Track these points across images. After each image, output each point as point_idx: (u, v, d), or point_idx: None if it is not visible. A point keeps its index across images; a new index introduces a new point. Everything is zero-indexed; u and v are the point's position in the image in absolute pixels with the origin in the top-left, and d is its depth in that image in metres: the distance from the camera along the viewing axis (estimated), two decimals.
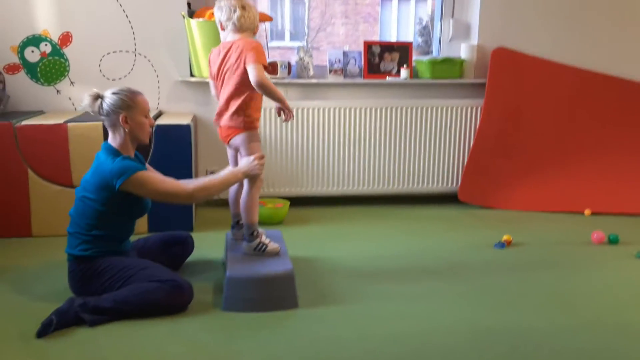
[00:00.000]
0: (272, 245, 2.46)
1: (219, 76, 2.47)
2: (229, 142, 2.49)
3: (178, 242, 2.65)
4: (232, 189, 2.63)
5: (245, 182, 2.47)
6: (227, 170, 2.45)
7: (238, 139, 2.45)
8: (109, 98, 2.25)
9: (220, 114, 2.48)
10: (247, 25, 2.43)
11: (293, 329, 2.11)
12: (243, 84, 2.38)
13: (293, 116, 2.49)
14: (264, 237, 2.49)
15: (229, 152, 2.61)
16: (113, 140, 2.29)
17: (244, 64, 2.34)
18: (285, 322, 2.17)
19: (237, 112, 2.41)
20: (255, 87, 2.34)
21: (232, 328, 2.11)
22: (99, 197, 2.22)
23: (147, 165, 2.49)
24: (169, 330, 2.09)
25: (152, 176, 2.25)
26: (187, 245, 2.68)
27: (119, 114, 2.24)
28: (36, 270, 2.63)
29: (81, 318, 2.08)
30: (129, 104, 2.25)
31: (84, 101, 2.26)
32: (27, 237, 3.06)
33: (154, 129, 2.41)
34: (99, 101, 2.25)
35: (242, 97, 2.40)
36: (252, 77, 2.31)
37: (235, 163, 2.59)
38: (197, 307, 2.25)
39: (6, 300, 2.32)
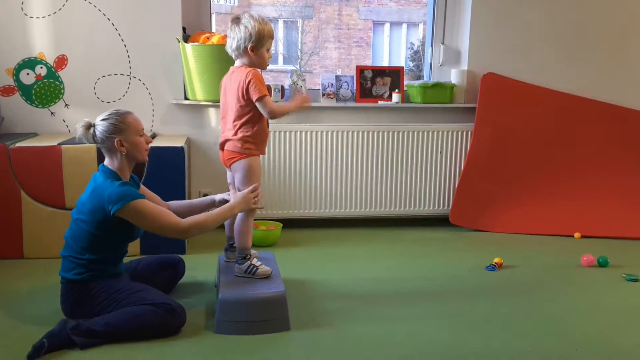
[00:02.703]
0: (263, 268, 2.46)
1: (224, 101, 2.49)
2: (230, 165, 2.49)
3: (170, 265, 2.64)
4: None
5: (245, 214, 2.47)
6: (222, 196, 2.51)
7: (238, 165, 2.44)
8: (100, 125, 2.25)
9: (224, 139, 2.48)
10: (235, 53, 2.43)
11: (285, 352, 2.11)
12: (244, 112, 2.39)
13: (308, 99, 2.56)
14: (255, 260, 2.49)
15: (229, 176, 2.60)
16: (110, 163, 2.30)
17: (245, 94, 2.36)
18: (277, 345, 2.17)
19: (240, 139, 2.42)
20: (270, 119, 2.45)
21: (225, 351, 2.11)
22: (93, 220, 2.21)
23: (142, 186, 2.50)
24: (161, 353, 2.08)
25: (149, 207, 2.21)
26: (179, 269, 2.68)
27: (113, 139, 2.24)
28: (28, 292, 2.61)
29: (73, 341, 2.07)
30: (121, 127, 2.25)
31: (77, 132, 2.27)
32: (18, 259, 3.05)
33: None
34: (91, 130, 2.26)
35: (245, 125, 2.41)
36: (265, 113, 2.38)
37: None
38: (189, 330, 2.25)
39: None
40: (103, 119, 2.26)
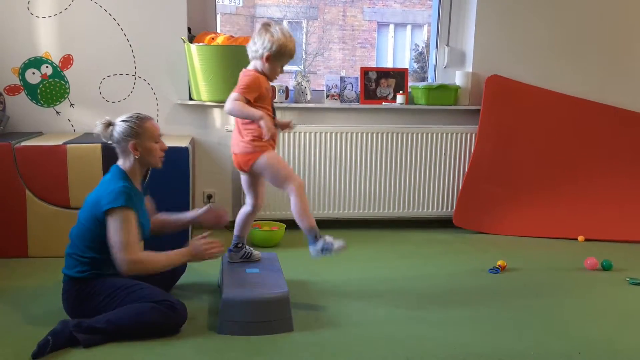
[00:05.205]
0: (338, 244, 2.42)
1: None
2: (250, 168, 2.48)
3: (172, 271, 2.61)
4: (242, 210, 2.66)
5: (288, 192, 2.45)
6: (192, 213, 2.58)
7: (259, 165, 2.45)
8: (118, 126, 2.29)
9: (233, 143, 2.51)
10: (252, 55, 2.47)
11: (288, 353, 2.12)
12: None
13: (279, 127, 2.54)
14: (327, 236, 2.44)
15: (243, 178, 2.61)
16: (123, 164, 2.33)
17: None
18: (280, 346, 2.17)
19: (249, 140, 2.44)
20: (226, 111, 2.43)
21: (228, 351, 2.11)
22: (95, 218, 2.23)
23: (147, 197, 2.50)
24: (164, 352, 2.08)
25: (129, 221, 2.19)
26: (177, 268, 2.68)
27: (129, 141, 2.27)
28: (32, 291, 2.62)
29: (76, 338, 2.08)
30: (138, 131, 2.28)
31: (96, 128, 2.30)
32: (23, 258, 3.06)
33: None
34: (110, 129, 2.30)
35: (250, 124, 2.43)
36: (225, 104, 2.40)
37: (250, 189, 2.60)
38: (192, 330, 2.26)
39: (1, 321, 2.31)
40: (122, 120, 2.30)
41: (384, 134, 3.75)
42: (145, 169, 2.37)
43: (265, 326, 2.25)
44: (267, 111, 2.45)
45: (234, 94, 2.38)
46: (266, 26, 2.42)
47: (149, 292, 2.23)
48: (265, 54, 2.40)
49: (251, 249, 2.70)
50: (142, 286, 2.26)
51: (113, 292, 2.23)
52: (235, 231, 2.68)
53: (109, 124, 2.30)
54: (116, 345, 2.11)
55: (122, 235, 2.18)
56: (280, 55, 2.41)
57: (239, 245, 2.66)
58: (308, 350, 2.14)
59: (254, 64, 2.47)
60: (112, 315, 2.16)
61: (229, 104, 2.38)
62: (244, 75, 2.44)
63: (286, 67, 2.52)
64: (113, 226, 2.19)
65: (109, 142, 2.32)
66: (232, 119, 3.70)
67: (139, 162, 2.31)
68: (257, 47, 2.42)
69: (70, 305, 2.27)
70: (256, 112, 2.37)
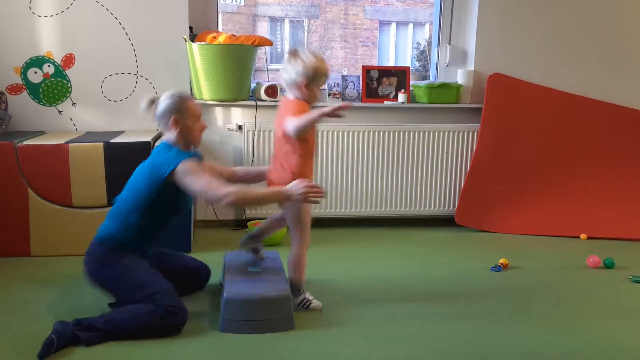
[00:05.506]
0: (315, 303, 2.49)
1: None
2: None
3: (194, 278, 2.64)
4: (277, 214, 2.72)
5: (293, 240, 2.48)
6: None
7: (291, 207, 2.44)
8: (162, 103, 2.37)
9: (274, 171, 2.49)
10: (287, 84, 2.43)
11: (289, 351, 2.12)
12: (284, 143, 2.42)
13: (343, 109, 2.31)
14: (308, 294, 2.52)
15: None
16: (168, 139, 2.40)
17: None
18: (282, 344, 2.17)
19: (284, 170, 2.42)
20: (294, 136, 2.35)
21: (229, 350, 2.12)
22: (146, 183, 2.31)
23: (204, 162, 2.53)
24: (166, 351, 2.09)
25: (196, 168, 2.28)
26: (200, 283, 2.68)
27: (170, 117, 2.34)
28: (34, 291, 2.63)
29: (77, 337, 2.09)
30: (179, 108, 2.35)
31: (141, 105, 2.39)
32: (25, 257, 3.06)
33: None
34: (153, 105, 2.38)
35: (287, 155, 2.42)
36: (289, 129, 2.34)
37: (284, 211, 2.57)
38: (193, 329, 2.26)
39: (3, 320, 2.32)
40: (166, 97, 2.37)
41: (386, 133, 3.75)
42: (187, 145, 2.41)
43: (267, 325, 2.25)
44: (312, 138, 2.45)
45: (291, 118, 2.33)
46: (294, 53, 2.40)
47: (153, 291, 2.23)
48: (303, 82, 2.38)
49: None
50: (150, 285, 2.26)
51: (124, 276, 2.27)
52: (264, 223, 2.72)
53: (153, 101, 2.39)
54: (117, 344, 2.12)
55: (200, 181, 2.25)
56: (316, 78, 2.39)
57: (257, 237, 2.69)
58: (309, 348, 2.14)
59: (292, 93, 2.44)
60: (113, 315, 2.19)
61: (292, 124, 2.32)
62: (288, 104, 2.41)
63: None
64: (186, 181, 2.26)
65: (153, 117, 2.40)
66: (233, 117, 3.71)
67: (179, 137, 2.37)
68: (290, 76, 2.39)
69: (91, 267, 2.33)
70: (312, 113, 2.32)
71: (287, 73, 2.40)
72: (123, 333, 2.15)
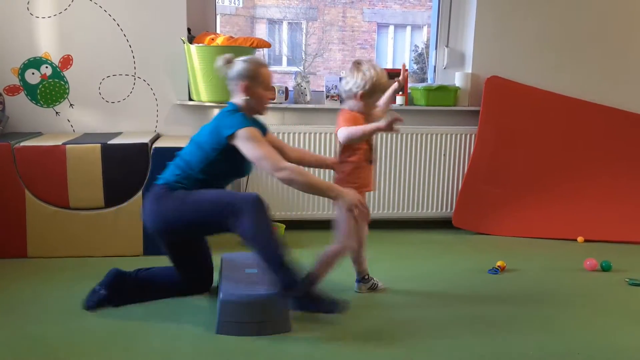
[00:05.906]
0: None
1: None
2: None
3: (204, 281, 2.63)
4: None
5: (335, 238, 2.53)
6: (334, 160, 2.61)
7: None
8: (237, 65, 2.40)
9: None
10: (346, 94, 2.49)
11: (286, 353, 2.12)
12: (340, 150, 2.51)
13: (397, 121, 2.29)
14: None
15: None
16: (236, 101, 2.44)
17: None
18: (278, 346, 2.17)
19: (342, 179, 2.49)
20: (345, 143, 2.44)
21: (226, 351, 2.11)
22: (210, 141, 2.35)
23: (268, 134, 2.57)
24: (162, 352, 2.09)
25: (259, 136, 2.31)
26: (202, 289, 2.64)
27: (241, 81, 2.38)
28: (31, 292, 2.62)
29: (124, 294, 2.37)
30: (252, 74, 2.38)
31: (218, 62, 2.43)
32: (22, 258, 3.06)
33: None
34: (228, 65, 2.42)
35: (342, 162, 2.50)
36: (340, 138, 2.43)
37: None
38: (190, 330, 2.26)
39: (0, 322, 2.31)
40: (242, 60, 2.40)
41: (383, 135, 3.75)
42: (253, 111, 2.44)
43: (263, 326, 2.25)
44: (365, 148, 2.49)
45: (342, 127, 2.41)
46: (357, 65, 2.45)
47: (230, 200, 2.29)
48: (360, 93, 2.42)
49: (377, 281, 2.76)
50: (223, 197, 2.33)
51: (192, 197, 2.31)
52: (355, 267, 2.75)
53: (229, 61, 2.42)
54: (115, 342, 2.11)
55: (259, 149, 2.28)
56: (373, 91, 2.44)
57: (365, 277, 2.74)
58: (306, 350, 2.14)
59: (348, 104, 2.50)
60: (258, 258, 2.28)
61: (342, 133, 2.40)
62: (341, 114, 2.47)
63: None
64: (245, 146, 2.29)
65: (226, 78, 2.43)
66: None
67: (246, 102, 2.40)
68: (350, 87, 2.44)
69: (148, 207, 2.37)
70: (368, 125, 2.38)
71: (346, 83, 2.46)
72: (277, 250, 2.28)
